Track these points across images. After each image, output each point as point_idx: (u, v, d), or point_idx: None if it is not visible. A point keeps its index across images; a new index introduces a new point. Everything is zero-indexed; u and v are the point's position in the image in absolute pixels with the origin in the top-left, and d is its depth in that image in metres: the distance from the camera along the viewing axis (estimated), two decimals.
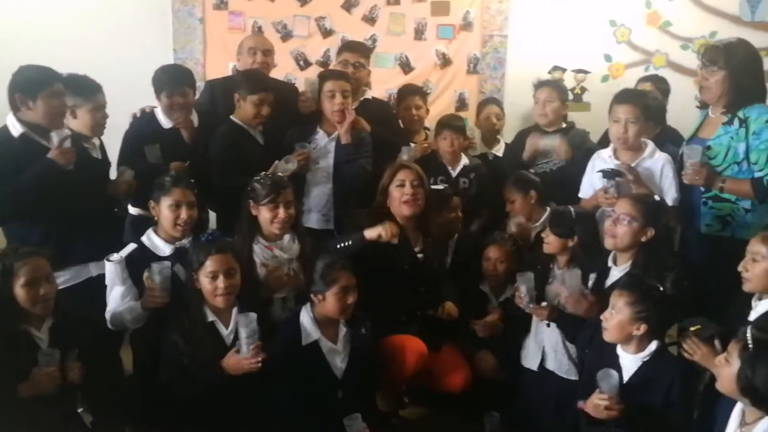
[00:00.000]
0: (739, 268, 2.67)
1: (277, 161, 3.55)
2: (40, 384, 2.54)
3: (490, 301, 3.59)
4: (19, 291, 2.62)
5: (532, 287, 3.03)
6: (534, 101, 4.18)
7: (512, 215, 3.81)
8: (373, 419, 2.93)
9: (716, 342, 2.53)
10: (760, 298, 2.66)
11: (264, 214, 3.15)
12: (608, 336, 2.65)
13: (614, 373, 2.54)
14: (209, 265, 2.82)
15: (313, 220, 3.82)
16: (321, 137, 3.80)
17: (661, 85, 4.43)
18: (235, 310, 2.89)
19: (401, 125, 4.33)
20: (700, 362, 2.56)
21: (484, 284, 3.61)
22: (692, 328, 2.63)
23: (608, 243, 3.00)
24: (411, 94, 4.34)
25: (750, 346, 2.08)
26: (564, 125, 4.16)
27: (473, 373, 3.42)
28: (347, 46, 4.30)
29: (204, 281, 2.83)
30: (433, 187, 3.84)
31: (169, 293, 2.89)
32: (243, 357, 2.69)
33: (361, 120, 3.87)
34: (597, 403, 2.54)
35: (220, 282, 2.82)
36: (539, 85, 4.27)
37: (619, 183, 3.25)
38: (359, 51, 4.19)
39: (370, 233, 3.20)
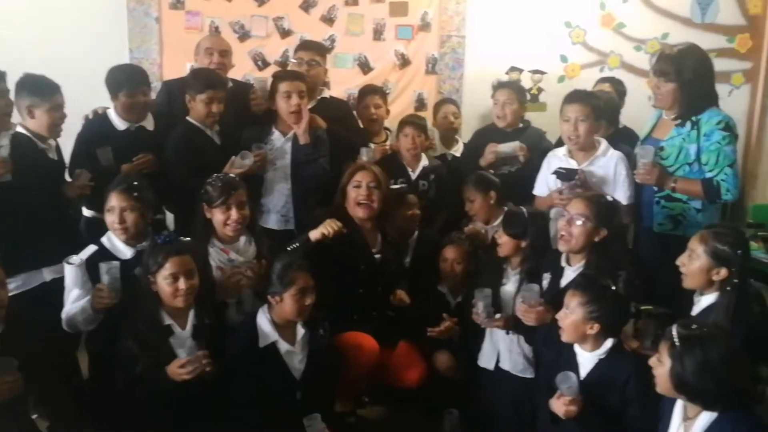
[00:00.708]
0: (677, 262, 2.74)
1: (233, 157, 3.52)
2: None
3: (447, 301, 3.62)
4: None
5: (489, 303, 3.05)
6: (493, 102, 4.22)
7: (471, 215, 3.84)
8: (332, 419, 2.93)
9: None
10: (701, 294, 2.73)
11: (217, 216, 3.13)
12: (564, 336, 2.68)
13: (572, 375, 2.58)
14: (169, 267, 2.79)
15: (272, 221, 3.80)
16: (277, 138, 3.78)
17: (618, 87, 4.52)
18: (191, 313, 2.87)
19: (361, 125, 4.34)
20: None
21: (442, 285, 3.64)
22: (643, 308, 2.77)
23: (562, 246, 3.03)
24: (370, 93, 4.35)
25: (677, 343, 2.13)
26: (521, 125, 4.21)
27: (431, 372, 3.45)
28: (302, 45, 4.29)
29: (163, 283, 2.80)
30: (393, 186, 3.86)
31: (118, 294, 2.84)
32: (179, 365, 2.67)
33: (317, 117, 3.86)
34: (560, 405, 2.58)
35: (181, 284, 2.79)
36: (498, 86, 4.31)
37: (575, 184, 3.29)
38: (314, 49, 4.18)
39: (314, 234, 3.23)
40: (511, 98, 4.14)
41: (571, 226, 2.98)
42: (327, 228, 3.21)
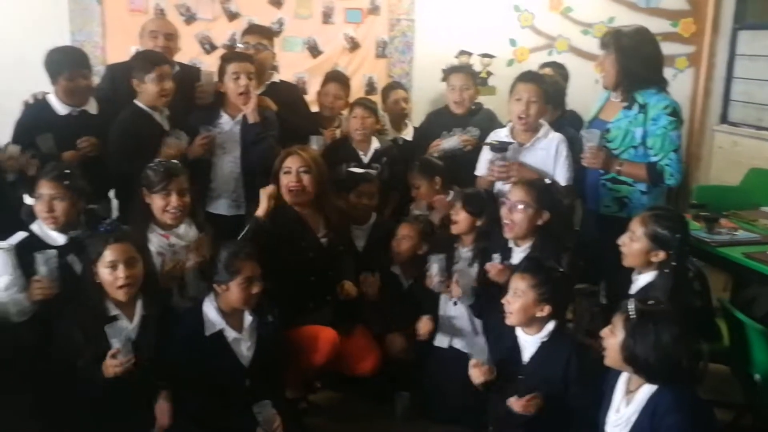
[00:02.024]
0: (618, 242, 2.82)
1: (166, 137, 3.45)
2: None
3: (401, 283, 3.63)
4: None
5: (443, 267, 3.10)
6: (449, 88, 4.22)
7: (417, 200, 3.84)
8: (282, 405, 2.92)
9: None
10: (639, 273, 2.81)
11: (157, 202, 3.08)
12: (511, 320, 2.71)
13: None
14: (108, 255, 2.72)
15: (222, 207, 3.74)
16: (225, 121, 3.71)
17: (561, 71, 4.57)
18: (139, 303, 2.83)
19: (319, 109, 4.30)
20: None
21: (395, 266, 3.65)
22: (578, 286, 2.89)
23: (507, 233, 3.09)
24: (334, 81, 4.28)
25: (632, 317, 2.19)
26: (473, 107, 4.22)
27: (383, 355, 3.46)
28: (248, 29, 4.22)
29: (103, 272, 2.73)
30: (352, 170, 3.87)
31: (57, 284, 2.77)
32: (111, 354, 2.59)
33: (266, 99, 3.82)
34: (474, 371, 2.68)
35: (120, 272, 2.72)
36: (452, 70, 4.31)
37: (505, 156, 3.31)
38: (260, 33, 4.12)
39: (259, 212, 3.24)
40: (467, 83, 4.16)
41: (512, 213, 3.03)
42: (265, 199, 3.24)
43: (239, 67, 3.62)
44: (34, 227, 2.96)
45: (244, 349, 2.94)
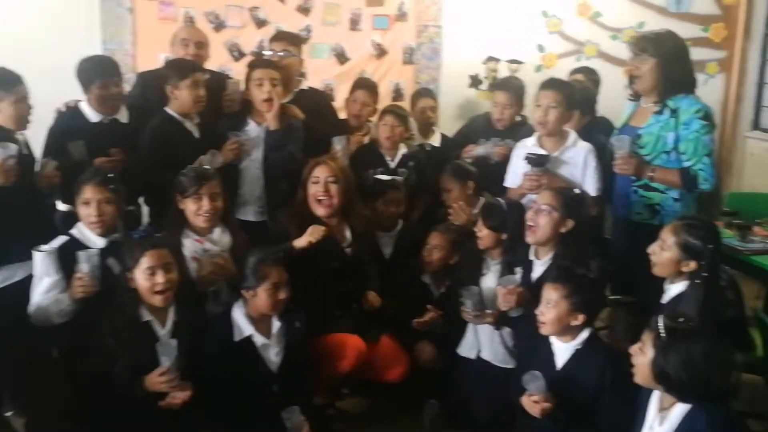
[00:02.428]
0: (648, 250, 2.77)
1: (202, 156, 3.47)
2: None
3: (431, 292, 3.61)
4: None
5: (477, 302, 3.06)
6: (492, 104, 4.17)
7: (448, 205, 3.81)
8: (310, 411, 2.92)
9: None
10: (671, 282, 2.76)
11: (189, 206, 3.11)
12: (546, 330, 2.69)
13: (539, 374, 2.60)
14: (145, 261, 2.76)
15: (249, 213, 3.75)
16: (252, 128, 3.73)
17: (592, 76, 4.52)
18: (172, 309, 2.86)
19: (347, 116, 4.29)
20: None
21: (426, 276, 3.64)
22: (611, 297, 2.87)
23: (529, 237, 3.06)
24: (362, 88, 4.25)
25: (662, 334, 2.14)
26: (517, 119, 4.18)
27: (412, 363, 3.45)
28: (275, 36, 4.23)
29: (140, 278, 2.77)
30: (378, 177, 3.86)
31: (98, 282, 2.81)
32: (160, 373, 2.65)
33: (294, 108, 3.83)
34: (530, 404, 2.60)
35: (159, 277, 2.76)
36: (497, 86, 4.27)
37: (545, 170, 3.29)
38: (286, 39, 4.13)
39: (300, 243, 3.20)
40: (510, 102, 4.11)
41: (537, 216, 3.00)
42: (312, 236, 3.19)
43: (263, 74, 3.64)
44: (74, 231, 3.00)
45: (273, 354, 2.96)
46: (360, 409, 3.59)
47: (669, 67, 3.23)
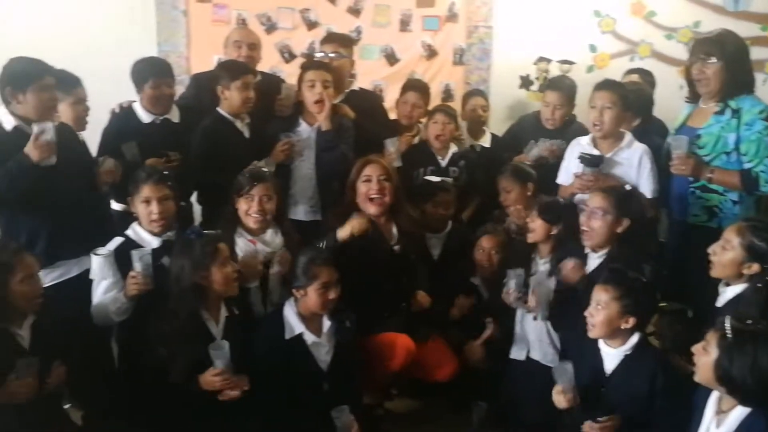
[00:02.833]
0: (709, 250, 2.71)
1: (255, 161, 3.50)
2: (16, 395, 2.47)
3: (480, 294, 3.59)
4: (16, 288, 2.58)
5: (521, 283, 3.05)
6: (543, 104, 4.13)
7: (506, 206, 3.75)
8: (360, 411, 2.93)
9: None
10: (727, 284, 2.70)
11: (242, 206, 3.16)
12: (595, 333, 2.65)
13: (569, 367, 2.58)
14: (221, 254, 2.83)
15: (300, 213, 3.79)
16: (304, 129, 3.76)
17: (647, 78, 4.43)
18: (223, 306, 2.90)
19: (398, 117, 4.30)
20: None
21: (475, 277, 3.62)
22: (659, 305, 2.79)
23: (586, 241, 3.04)
24: (413, 90, 4.25)
25: (728, 335, 2.09)
26: (566, 119, 4.13)
27: (461, 364, 3.43)
28: (326, 38, 4.26)
29: (218, 273, 2.81)
30: (427, 178, 3.86)
31: (151, 280, 2.87)
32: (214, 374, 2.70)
33: (345, 107, 3.85)
34: (558, 397, 2.59)
35: (234, 266, 2.87)
36: (548, 86, 4.23)
37: (599, 171, 3.25)
38: (336, 41, 4.15)
39: (342, 234, 3.22)
40: (562, 102, 4.06)
41: (591, 220, 2.97)
42: (355, 226, 3.21)
43: (315, 75, 3.67)
44: (129, 232, 3.07)
45: (323, 353, 2.98)
46: (409, 409, 3.59)
47: (732, 68, 3.16)
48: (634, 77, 4.34)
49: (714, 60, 3.17)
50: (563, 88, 4.17)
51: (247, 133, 3.70)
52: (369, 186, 3.35)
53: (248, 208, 3.14)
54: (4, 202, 2.97)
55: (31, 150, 2.85)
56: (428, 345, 3.42)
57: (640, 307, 2.60)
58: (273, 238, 3.22)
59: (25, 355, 2.56)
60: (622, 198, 2.99)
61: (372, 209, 3.36)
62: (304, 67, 3.79)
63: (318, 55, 4.09)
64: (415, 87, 4.30)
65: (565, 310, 2.99)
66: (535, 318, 3.15)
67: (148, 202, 3.02)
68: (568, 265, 2.98)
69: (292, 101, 3.84)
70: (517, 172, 3.75)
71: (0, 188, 2.88)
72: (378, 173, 3.36)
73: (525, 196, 3.70)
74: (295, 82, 3.82)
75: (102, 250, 2.92)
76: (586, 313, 2.66)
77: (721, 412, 2.19)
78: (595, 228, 2.97)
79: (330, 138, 3.68)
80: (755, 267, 2.58)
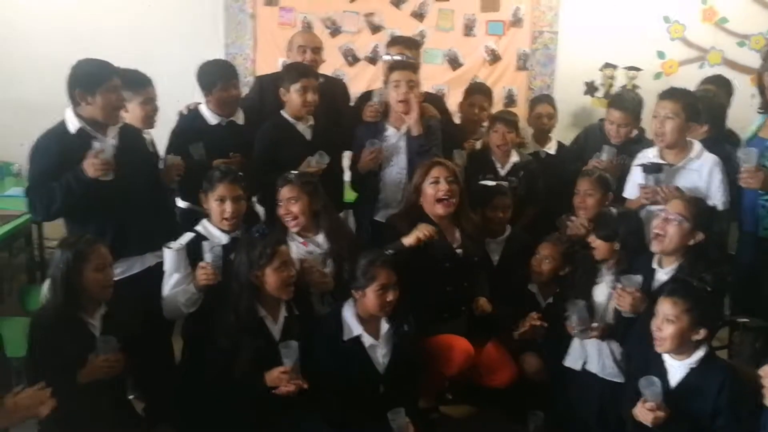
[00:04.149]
0: None
1: (309, 157, 3.53)
2: (100, 370, 2.60)
3: (537, 302, 3.56)
4: (90, 276, 2.69)
5: (584, 315, 3.00)
6: (608, 122, 3.95)
7: (580, 208, 3.62)
8: (415, 414, 2.93)
9: None
10: None
11: (278, 210, 3.23)
12: (666, 346, 2.58)
13: (656, 380, 2.51)
14: (278, 257, 2.87)
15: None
16: (391, 134, 3.76)
17: (724, 87, 4.26)
18: (283, 306, 2.94)
19: (462, 121, 4.30)
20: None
21: (533, 285, 3.59)
22: (740, 320, 2.78)
23: (655, 246, 2.96)
24: (479, 93, 4.28)
25: None
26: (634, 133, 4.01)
27: (518, 373, 3.41)
28: (392, 41, 4.23)
29: (273, 275, 2.85)
30: (483, 182, 3.83)
31: (220, 272, 2.93)
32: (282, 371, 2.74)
33: (429, 107, 3.84)
34: (644, 411, 2.51)
35: (291, 271, 2.90)
36: (613, 104, 4.00)
37: (659, 178, 3.18)
38: (403, 44, 4.14)
39: (409, 240, 3.22)
40: (626, 121, 3.88)
41: (666, 225, 2.89)
42: (421, 233, 3.21)
43: (400, 75, 3.66)
44: (199, 228, 3.14)
45: (380, 355, 2.99)
46: (464, 415, 3.57)
47: None
48: (710, 87, 4.15)
49: None
50: (627, 107, 3.94)
51: (308, 136, 3.72)
52: (437, 188, 3.35)
53: (282, 213, 3.22)
54: (65, 210, 3.03)
55: (88, 166, 2.89)
56: (486, 350, 3.40)
57: (709, 318, 2.55)
58: (324, 240, 3.26)
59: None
60: (703, 211, 2.92)
61: (441, 210, 3.36)
62: (391, 67, 3.78)
63: (385, 57, 4.10)
64: (480, 90, 4.32)
65: (629, 323, 2.94)
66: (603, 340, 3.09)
67: (222, 200, 3.09)
68: (618, 291, 2.91)
69: (383, 107, 3.80)
70: (603, 180, 3.63)
71: (58, 198, 2.94)
72: (446, 175, 3.36)
73: (604, 203, 3.56)
74: (361, 85, 3.84)
75: (174, 244, 2.99)
76: (653, 327, 2.60)
77: None
78: (669, 234, 2.89)
79: (423, 142, 3.67)
80: None
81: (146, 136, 3.47)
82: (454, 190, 3.36)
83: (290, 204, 3.20)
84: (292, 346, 2.73)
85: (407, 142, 3.72)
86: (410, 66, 3.78)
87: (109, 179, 2.93)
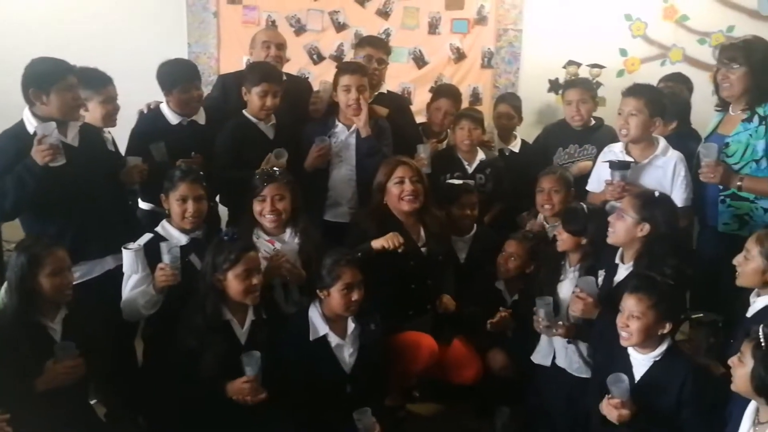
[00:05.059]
0: (734, 261, 2.70)
1: (269, 154, 3.51)
2: (59, 377, 2.55)
3: (504, 298, 3.58)
4: (45, 280, 2.63)
5: (550, 311, 3.02)
6: (565, 103, 4.13)
7: (544, 206, 3.69)
8: (382, 413, 2.93)
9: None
10: (758, 295, 2.67)
11: (256, 207, 3.20)
12: (632, 341, 2.61)
13: (624, 377, 2.54)
14: (242, 264, 2.83)
15: (340, 214, 3.78)
16: (341, 130, 3.75)
17: (685, 84, 4.32)
18: (250, 309, 2.92)
19: (428, 122, 4.28)
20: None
21: (500, 282, 3.60)
22: (693, 316, 2.78)
23: (609, 239, 3.02)
24: (445, 96, 4.23)
25: (763, 344, 2.06)
26: (593, 122, 4.11)
27: (485, 370, 3.42)
28: (370, 42, 4.20)
29: (235, 281, 2.82)
30: (450, 181, 3.85)
31: (179, 273, 2.90)
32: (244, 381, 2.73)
33: (377, 107, 3.84)
34: (611, 409, 2.53)
35: (255, 279, 2.85)
36: (568, 85, 4.23)
37: (625, 175, 3.22)
38: (382, 47, 4.15)
39: (376, 244, 3.23)
40: (584, 96, 4.04)
41: (616, 221, 2.96)
42: (388, 242, 3.21)
43: (351, 80, 3.65)
44: (158, 229, 3.11)
45: (347, 355, 2.98)
46: (431, 412, 3.58)
47: (759, 75, 3.14)
48: (671, 84, 4.22)
49: (737, 66, 3.15)
50: (580, 83, 4.20)
51: (271, 135, 3.68)
52: (402, 188, 3.36)
53: (261, 210, 3.17)
54: (20, 206, 2.97)
55: (36, 153, 2.83)
56: (452, 347, 3.42)
57: (674, 312, 2.58)
58: (291, 238, 3.24)
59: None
60: (647, 202, 2.95)
61: (406, 207, 3.37)
62: (340, 70, 3.77)
63: (362, 57, 4.04)
64: (448, 93, 4.28)
65: (591, 322, 2.96)
66: (569, 342, 3.12)
67: (184, 200, 3.06)
68: (578, 306, 2.94)
69: (327, 97, 3.82)
70: (566, 176, 3.70)
71: (11, 192, 2.88)
72: (410, 175, 3.37)
73: (566, 201, 3.63)
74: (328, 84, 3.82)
75: (132, 245, 2.95)
76: (618, 323, 2.63)
77: (759, 423, 2.16)
78: (616, 228, 2.96)
79: (372, 144, 3.68)
80: None
81: (107, 135, 3.42)
82: (418, 190, 3.37)
83: (275, 201, 3.17)
84: (254, 356, 2.71)
85: (357, 140, 3.72)
86: (360, 69, 3.75)
87: (61, 164, 2.87)
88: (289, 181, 3.25)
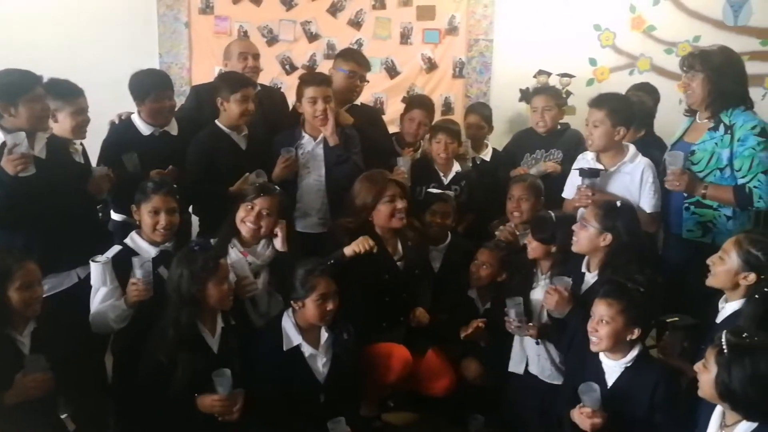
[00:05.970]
0: (708, 261, 2.72)
1: (247, 173, 3.50)
2: (28, 391, 2.51)
3: (477, 307, 3.59)
4: (14, 294, 2.60)
5: (521, 311, 3.04)
6: (531, 109, 4.20)
7: (514, 214, 3.72)
8: (356, 422, 2.93)
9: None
10: (726, 300, 2.70)
11: (240, 212, 3.18)
12: (601, 346, 2.64)
13: (596, 386, 2.56)
14: (221, 272, 2.84)
15: (310, 225, 3.77)
16: (307, 141, 3.74)
17: (652, 94, 4.38)
18: (219, 317, 2.90)
19: (401, 132, 4.27)
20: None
21: (472, 290, 3.62)
22: (669, 320, 2.77)
23: (573, 247, 3.06)
24: (419, 107, 4.20)
25: (725, 350, 2.09)
26: (558, 127, 4.19)
27: (458, 378, 3.44)
28: (356, 60, 4.07)
29: (214, 289, 2.82)
30: (430, 190, 3.87)
31: (151, 287, 2.88)
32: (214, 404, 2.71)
33: (342, 113, 3.84)
34: (583, 418, 2.55)
35: (227, 285, 2.86)
36: (534, 92, 4.30)
37: (594, 182, 3.27)
38: (366, 66, 4.10)
39: (348, 250, 3.22)
40: (549, 104, 4.14)
41: (580, 230, 3.00)
42: (359, 246, 3.21)
43: (316, 92, 3.63)
44: (127, 241, 3.08)
45: (320, 365, 2.98)
46: (406, 422, 3.57)
47: (718, 81, 3.19)
48: (639, 93, 4.28)
49: (695, 72, 3.21)
50: (545, 90, 4.36)
51: (243, 145, 3.68)
52: (393, 206, 3.35)
53: (245, 216, 3.16)
54: None
55: (6, 163, 2.82)
56: (426, 358, 3.42)
57: (643, 318, 2.61)
58: (264, 250, 3.23)
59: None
60: (607, 211, 2.98)
61: (397, 224, 3.38)
62: (304, 81, 3.74)
63: (345, 71, 3.98)
64: (422, 104, 4.26)
65: (562, 326, 2.99)
66: (537, 343, 3.15)
67: (156, 212, 3.03)
68: (552, 299, 2.97)
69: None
70: (536, 184, 3.73)
71: None
72: (399, 191, 3.38)
73: (536, 209, 3.65)
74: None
75: (100, 258, 2.92)
76: (588, 328, 2.66)
77: (725, 426, 2.19)
78: (579, 237, 3.00)
79: (341, 152, 3.67)
80: (751, 277, 2.58)
81: (77, 147, 3.39)
82: (406, 207, 3.39)
83: (262, 215, 3.15)
84: (225, 375, 2.70)
85: (325, 150, 3.71)
86: (325, 81, 3.74)
87: (30, 174, 2.85)
88: (282, 201, 3.25)
